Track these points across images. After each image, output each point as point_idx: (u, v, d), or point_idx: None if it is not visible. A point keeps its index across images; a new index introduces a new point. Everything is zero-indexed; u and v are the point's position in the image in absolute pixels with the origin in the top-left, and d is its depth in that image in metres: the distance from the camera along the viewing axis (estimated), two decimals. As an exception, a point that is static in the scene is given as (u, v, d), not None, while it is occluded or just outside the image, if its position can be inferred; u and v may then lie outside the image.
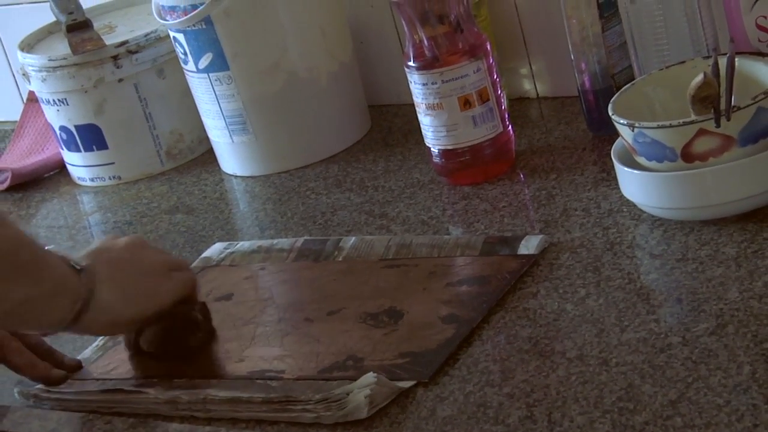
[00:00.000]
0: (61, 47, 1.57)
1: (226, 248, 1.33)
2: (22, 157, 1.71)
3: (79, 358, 1.19)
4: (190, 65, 1.48)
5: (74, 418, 1.09)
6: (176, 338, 1.16)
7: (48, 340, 1.17)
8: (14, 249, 1.04)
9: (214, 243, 1.35)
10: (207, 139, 1.55)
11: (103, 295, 1.09)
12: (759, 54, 1.19)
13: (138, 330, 1.16)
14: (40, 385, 1.15)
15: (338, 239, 1.28)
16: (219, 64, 1.45)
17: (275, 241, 1.31)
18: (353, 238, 1.27)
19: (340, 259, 1.25)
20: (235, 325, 1.18)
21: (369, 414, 1.00)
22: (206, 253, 1.33)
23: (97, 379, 1.15)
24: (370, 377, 1.02)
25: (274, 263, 1.28)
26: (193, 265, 1.31)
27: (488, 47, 1.31)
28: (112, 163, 1.58)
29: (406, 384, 1.03)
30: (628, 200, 1.19)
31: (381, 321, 1.13)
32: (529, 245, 1.18)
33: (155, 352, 1.16)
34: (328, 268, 1.24)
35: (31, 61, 1.57)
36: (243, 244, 1.32)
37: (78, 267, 1.09)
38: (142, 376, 1.14)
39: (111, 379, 1.15)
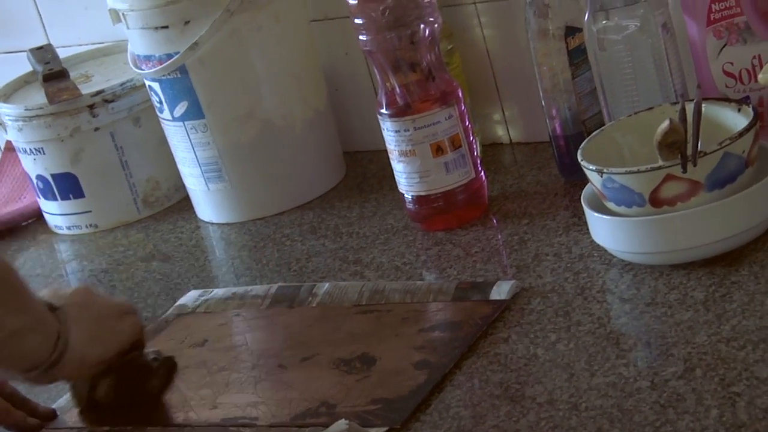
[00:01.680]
0: (37, 97, 1.58)
1: (201, 295, 1.33)
2: (0, 206, 1.72)
3: (53, 407, 1.19)
4: (166, 113, 1.49)
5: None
6: (132, 386, 1.17)
7: (21, 389, 1.18)
8: (5, 276, 1.06)
9: (189, 290, 1.36)
10: (183, 186, 1.55)
11: (73, 335, 1.10)
12: (725, 100, 1.21)
13: (92, 383, 1.17)
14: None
15: (312, 285, 1.28)
16: (194, 112, 1.46)
17: (249, 287, 1.32)
18: (327, 284, 1.28)
19: (314, 305, 1.26)
20: (209, 372, 1.19)
21: (341, 460, 1.00)
22: (181, 301, 1.34)
23: (72, 428, 1.16)
24: (342, 424, 1.03)
25: (248, 310, 1.28)
26: (168, 312, 1.32)
27: (460, 94, 1.33)
28: (89, 212, 1.59)
29: (379, 431, 1.03)
30: (598, 245, 1.20)
31: (354, 367, 1.13)
32: (501, 290, 1.18)
33: (112, 403, 1.16)
34: (302, 314, 1.25)
35: (7, 110, 1.58)
36: (217, 292, 1.33)
37: (53, 306, 1.10)
38: (116, 425, 1.14)
39: (85, 428, 1.15)
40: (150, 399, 1.17)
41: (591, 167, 1.15)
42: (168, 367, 1.20)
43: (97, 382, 1.17)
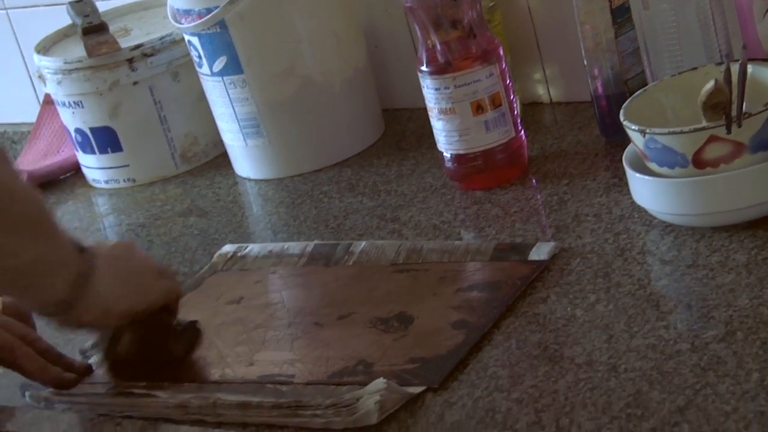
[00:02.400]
0: (76, 50, 1.58)
1: (236, 251, 1.33)
2: (38, 158, 1.72)
3: (90, 362, 1.19)
4: (205, 68, 1.48)
5: (84, 420, 1.09)
6: (153, 345, 1.16)
7: (57, 345, 1.18)
8: (30, 205, 1.06)
9: (221, 246, 1.35)
10: (221, 142, 1.55)
11: (98, 280, 1.09)
12: (771, 61, 1.19)
13: (114, 335, 1.16)
14: (50, 389, 1.15)
15: (349, 244, 1.28)
16: (233, 67, 1.46)
17: (286, 245, 1.31)
18: (364, 243, 1.27)
19: (351, 263, 1.25)
20: (245, 329, 1.19)
21: (379, 420, 1.00)
22: (216, 256, 1.33)
23: (108, 383, 1.16)
24: (380, 383, 1.02)
25: (284, 268, 1.28)
26: (204, 269, 1.32)
27: (501, 52, 1.31)
28: (127, 166, 1.59)
29: (416, 389, 1.03)
30: (639, 206, 1.19)
31: (391, 326, 1.13)
32: (540, 252, 1.18)
33: (132, 359, 1.16)
34: (339, 273, 1.24)
35: (47, 63, 1.58)
36: (253, 248, 1.33)
37: (80, 246, 1.09)
38: (152, 380, 1.14)
39: (121, 383, 1.15)
40: (169, 361, 1.16)
41: (633, 127, 1.14)
42: (192, 333, 1.19)
43: (119, 335, 1.17)
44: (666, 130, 1.12)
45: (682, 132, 1.11)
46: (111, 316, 1.13)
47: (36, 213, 1.06)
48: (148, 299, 1.15)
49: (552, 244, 1.18)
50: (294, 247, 1.30)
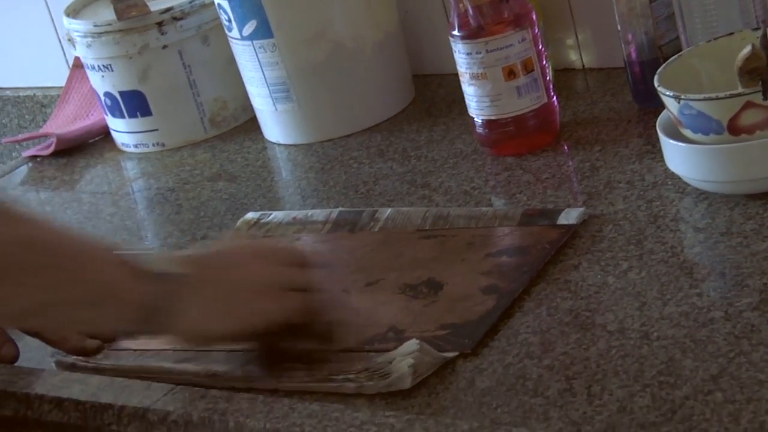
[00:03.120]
0: (106, 13, 1.57)
1: (259, 218, 1.32)
2: (68, 122, 1.72)
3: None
4: (235, 32, 1.47)
5: (114, 382, 1.09)
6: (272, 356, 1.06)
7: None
8: (28, 249, 0.96)
9: (248, 212, 1.35)
10: (250, 107, 1.54)
11: (185, 308, 1.00)
12: (809, 26, 1.18)
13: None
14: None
15: (374, 210, 1.27)
16: (263, 31, 1.45)
17: (310, 212, 1.31)
18: (389, 210, 1.26)
19: (377, 229, 1.24)
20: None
21: (412, 384, 0.99)
22: (239, 222, 1.33)
23: (134, 350, 1.15)
24: (412, 344, 1.02)
25: (309, 234, 1.27)
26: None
27: (534, 17, 1.30)
28: (156, 130, 1.58)
29: (450, 354, 1.02)
30: (672, 173, 1.18)
31: (420, 292, 1.12)
32: (569, 217, 1.17)
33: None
34: (365, 239, 1.23)
35: (76, 26, 1.57)
36: (277, 215, 1.32)
37: (157, 275, 0.99)
38: (179, 349, 1.13)
39: (148, 350, 1.14)
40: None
41: (668, 93, 1.13)
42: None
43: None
44: (701, 96, 1.11)
45: (717, 98, 1.10)
46: (202, 339, 1.04)
47: (58, 254, 0.97)
48: (251, 322, 1.02)
49: (581, 209, 1.17)
50: (318, 214, 1.30)
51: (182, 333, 1.03)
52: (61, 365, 1.15)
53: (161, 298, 0.99)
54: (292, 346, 1.05)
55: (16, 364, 1.15)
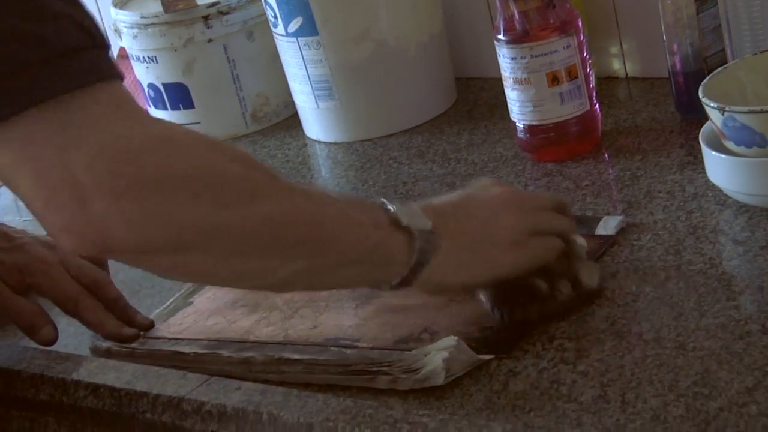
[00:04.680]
0: (153, 5, 1.58)
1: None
2: (110, 112, 1.73)
3: (151, 317, 1.19)
4: (280, 29, 1.48)
5: (149, 371, 1.10)
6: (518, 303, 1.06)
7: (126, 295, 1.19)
8: (286, 225, 0.96)
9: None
10: (292, 103, 1.55)
11: (435, 260, 1.01)
12: None
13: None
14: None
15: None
16: (308, 28, 1.45)
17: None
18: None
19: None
20: (308, 292, 1.18)
21: (445, 381, 0.99)
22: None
23: (169, 339, 1.16)
24: (450, 340, 1.02)
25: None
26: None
27: (579, 24, 1.30)
28: (198, 123, 1.59)
29: (485, 356, 1.02)
30: (713, 185, 1.17)
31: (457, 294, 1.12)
32: (608, 226, 1.17)
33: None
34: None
35: (123, 17, 1.58)
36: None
37: (409, 229, 1.00)
38: (214, 338, 1.14)
39: (183, 339, 1.15)
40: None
41: (712, 104, 1.13)
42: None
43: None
44: (746, 109, 1.11)
45: (762, 111, 1.10)
46: (447, 290, 1.07)
47: (290, 227, 0.96)
48: (495, 273, 1.04)
49: (620, 218, 1.17)
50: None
51: (435, 285, 1.04)
52: (96, 351, 1.16)
53: (419, 252, 1.00)
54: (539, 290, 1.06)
55: (53, 348, 1.16)
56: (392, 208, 1.02)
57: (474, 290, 1.08)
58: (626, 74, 1.48)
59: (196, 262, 0.94)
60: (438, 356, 1.00)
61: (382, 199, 1.03)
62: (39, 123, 0.87)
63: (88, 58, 0.89)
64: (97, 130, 0.88)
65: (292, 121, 1.58)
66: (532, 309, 1.06)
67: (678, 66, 1.33)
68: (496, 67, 1.33)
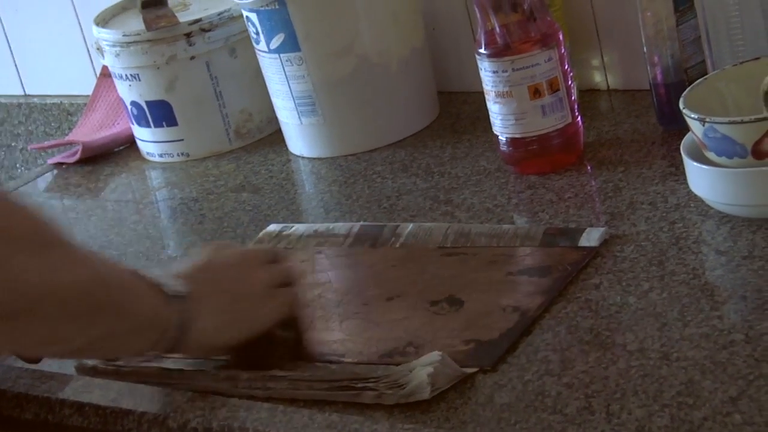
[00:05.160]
0: (135, 23, 1.59)
1: (281, 230, 1.33)
2: (94, 130, 1.73)
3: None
4: (262, 45, 1.48)
5: (135, 388, 1.10)
6: (257, 356, 1.09)
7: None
8: (91, 289, 0.99)
9: (271, 224, 1.35)
10: (276, 119, 1.55)
11: (199, 324, 1.04)
12: (835, 52, 1.18)
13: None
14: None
15: (396, 225, 1.27)
16: (290, 45, 1.46)
17: (331, 225, 1.31)
18: (411, 225, 1.27)
19: (398, 245, 1.25)
20: (293, 307, 1.19)
21: (431, 396, 1.00)
22: (261, 234, 1.33)
23: (154, 356, 1.16)
24: (434, 355, 1.02)
25: (330, 248, 1.28)
26: (249, 246, 1.31)
27: (561, 37, 1.31)
28: (181, 140, 1.59)
29: (470, 370, 1.02)
30: (695, 196, 1.18)
31: (441, 308, 1.13)
32: (590, 238, 1.17)
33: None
34: (387, 254, 1.24)
35: (105, 35, 1.58)
36: (298, 228, 1.32)
37: (173, 295, 1.03)
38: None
39: (168, 356, 1.15)
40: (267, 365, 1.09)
41: (693, 116, 1.13)
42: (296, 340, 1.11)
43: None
44: (726, 120, 1.11)
45: (742, 122, 1.10)
46: (213, 351, 1.09)
47: (93, 293, 0.99)
48: (256, 326, 1.08)
49: (602, 229, 1.18)
50: (340, 227, 1.30)
51: (197, 347, 1.06)
52: (81, 370, 1.16)
53: (182, 317, 1.03)
54: (283, 338, 1.10)
55: (38, 366, 1.16)
56: (152, 277, 1.04)
57: (232, 349, 1.09)
58: (608, 86, 1.49)
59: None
60: (423, 371, 1.00)
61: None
62: None
63: None
64: None
65: (275, 137, 1.58)
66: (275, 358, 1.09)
67: (659, 78, 1.34)
68: (479, 80, 1.33)
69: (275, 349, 1.09)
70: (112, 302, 1.00)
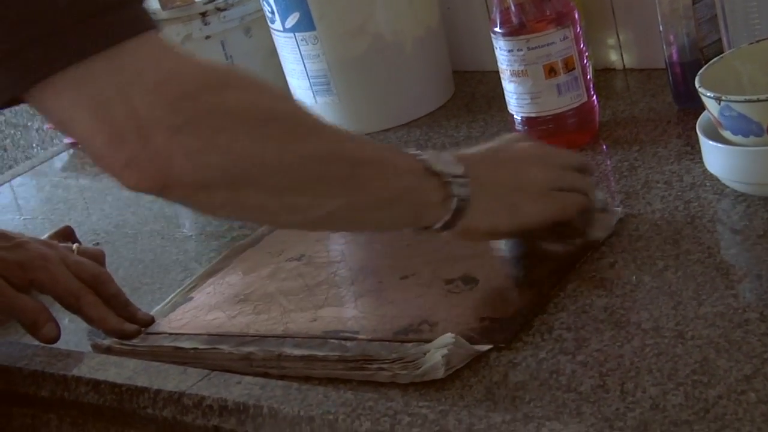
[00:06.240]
0: (151, 2, 1.58)
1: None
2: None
3: (152, 313, 1.20)
4: (277, 24, 1.48)
5: (150, 366, 1.10)
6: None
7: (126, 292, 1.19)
8: (328, 161, 0.99)
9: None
10: (291, 98, 1.55)
11: (472, 208, 1.05)
12: None
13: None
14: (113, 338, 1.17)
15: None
16: (305, 24, 1.46)
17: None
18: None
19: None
20: (307, 285, 1.19)
21: (445, 375, 1.00)
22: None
23: (170, 334, 1.16)
24: (447, 338, 1.02)
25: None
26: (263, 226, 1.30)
27: (576, 16, 1.30)
28: (196, 119, 1.59)
29: (483, 347, 1.03)
30: (711, 174, 1.18)
31: (456, 286, 1.13)
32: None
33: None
34: (400, 233, 1.24)
35: (120, 15, 1.58)
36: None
37: (451, 177, 1.04)
38: (214, 333, 1.15)
39: (183, 334, 1.16)
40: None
41: (709, 94, 1.13)
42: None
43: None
44: (742, 98, 1.11)
45: (758, 100, 1.10)
46: (474, 236, 1.09)
47: (331, 171, 0.99)
48: (519, 222, 1.08)
49: (618, 208, 1.17)
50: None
51: (466, 231, 1.06)
52: (97, 348, 1.16)
53: (458, 200, 1.04)
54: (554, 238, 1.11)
55: (54, 345, 1.17)
56: (425, 157, 1.04)
57: (497, 238, 1.11)
58: (623, 65, 1.49)
59: (249, 197, 0.96)
60: (437, 353, 1.01)
61: (415, 150, 1.06)
62: (97, 67, 0.89)
63: (133, 10, 0.92)
64: (154, 69, 0.90)
65: (290, 116, 1.58)
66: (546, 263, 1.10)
67: (675, 56, 1.33)
68: (494, 59, 1.33)
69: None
70: (354, 175, 1.00)
